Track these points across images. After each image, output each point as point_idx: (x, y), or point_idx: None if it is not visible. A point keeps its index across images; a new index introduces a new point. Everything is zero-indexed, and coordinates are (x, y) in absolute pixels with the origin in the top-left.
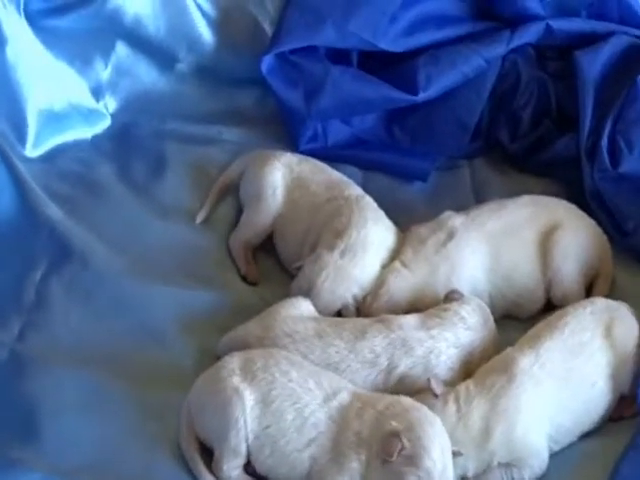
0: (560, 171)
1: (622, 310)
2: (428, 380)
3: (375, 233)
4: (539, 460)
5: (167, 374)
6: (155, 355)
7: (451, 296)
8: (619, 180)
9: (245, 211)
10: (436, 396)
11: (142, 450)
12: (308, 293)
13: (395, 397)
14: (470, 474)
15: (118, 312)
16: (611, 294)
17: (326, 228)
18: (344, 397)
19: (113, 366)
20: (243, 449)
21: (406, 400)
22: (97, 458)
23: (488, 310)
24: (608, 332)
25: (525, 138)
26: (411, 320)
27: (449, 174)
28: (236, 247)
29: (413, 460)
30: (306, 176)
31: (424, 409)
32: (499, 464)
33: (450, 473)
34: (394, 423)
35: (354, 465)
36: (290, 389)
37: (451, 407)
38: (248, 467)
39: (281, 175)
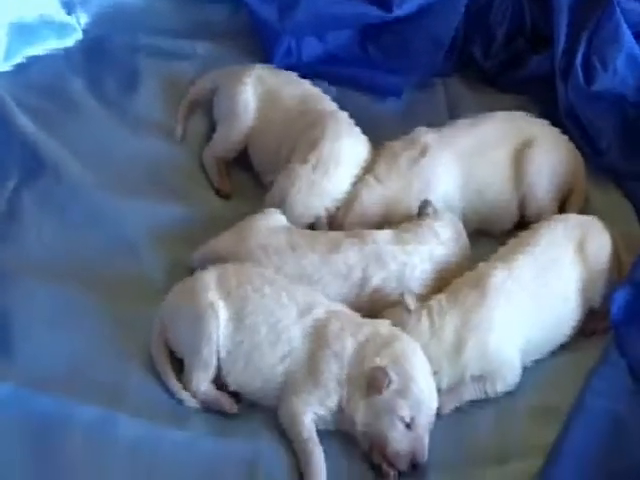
0: (534, 89)
1: (594, 226)
2: (402, 295)
3: (348, 147)
4: (511, 373)
5: (139, 287)
6: (127, 268)
7: (424, 210)
8: (593, 98)
9: (218, 126)
10: (409, 311)
11: (113, 361)
12: (281, 206)
13: (374, 325)
14: (444, 386)
15: (90, 226)
16: (584, 211)
17: (299, 141)
18: (318, 313)
19: (85, 279)
20: (213, 363)
21: (384, 329)
22: (69, 369)
23: (461, 226)
24: (580, 247)
25: (499, 55)
26: (385, 235)
27: (423, 91)
28: (209, 161)
29: (403, 393)
30: (279, 89)
31: (404, 338)
32: (472, 377)
33: (435, 395)
34: (378, 358)
35: (330, 383)
36: (263, 305)
37: (424, 322)
38: (217, 381)
39: (253, 89)
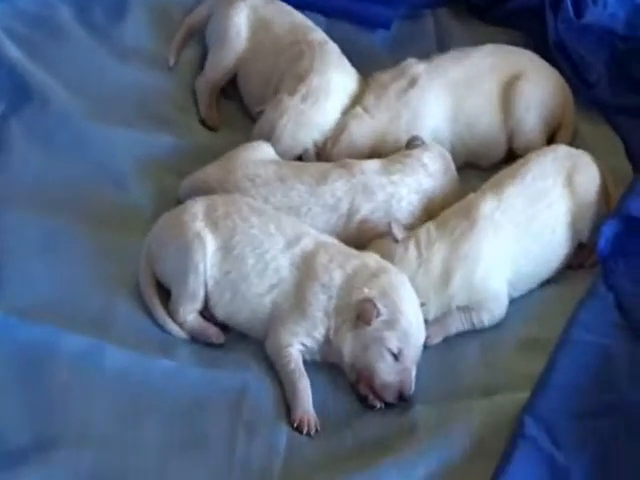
0: (524, 21)
1: (583, 158)
2: (389, 224)
3: (337, 79)
4: (498, 305)
5: (126, 216)
6: (115, 197)
7: (413, 143)
8: (583, 31)
9: (210, 52)
10: (397, 241)
11: (100, 289)
12: (269, 137)
13: (362, 257)
14: (431, 318)
15: (78, 154)
16: (572, 144)
17: (288, 72)
18: (306, 244)
19: (72, 208)
20: (201, 294)
21: (372, 261)
22: (56, 298)
23: (450, 157)
24: (569, 179)
25: None
26: (373, 165)
27: (412, 23)
28: (202, 88)
29: (391, 324)
30: (271, 18)
31: (392, 270)
32: (459, 308)
33: (423, 327)
34: (366, 290)
35: (318, 313)
36: (251, 235)
37: (412, 253)
38: (205, 313)
39: (246, 16)
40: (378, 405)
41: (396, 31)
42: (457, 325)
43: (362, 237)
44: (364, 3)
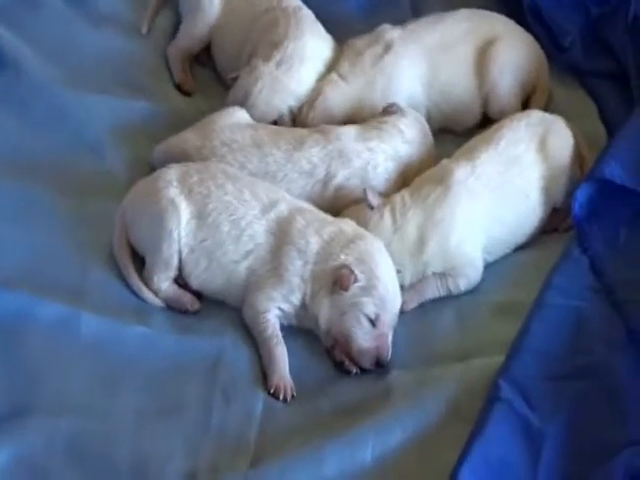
0: None
1: (557, 123)
2: (364, 191)
3: (311, 45)
4: (474, 269)
5: (101, 183)
6: (89, 165)
7: (389, 109)
8: None
9: (184, 20)
10: (372, 207)
11: (75, 257)
12: (244, 103)
13: (338, 224)
14: (406, 283)
15: (53, 122)
16: (547, 109)
17: (263, 39)
18: (282, 209)
19: (47, 175)
20: (175, 261)
21: (349, 228)
22: (31, 265)
23: (426, 124)
24: (542, 144)
25: None
26: (349, 131)
27: None
28: (173, 55)
29: (368, 290)
30: None
31: (368, 237)
32: (434, 274)
33: (399, 293)
34: (343, 256)
35: (294, 278)
36: (226, 202)
37: (387, 219)
38: (180, 281)
39: None
40: (354, 371)
41: None
42: (433, 291)
43: (338, 203)
44: None
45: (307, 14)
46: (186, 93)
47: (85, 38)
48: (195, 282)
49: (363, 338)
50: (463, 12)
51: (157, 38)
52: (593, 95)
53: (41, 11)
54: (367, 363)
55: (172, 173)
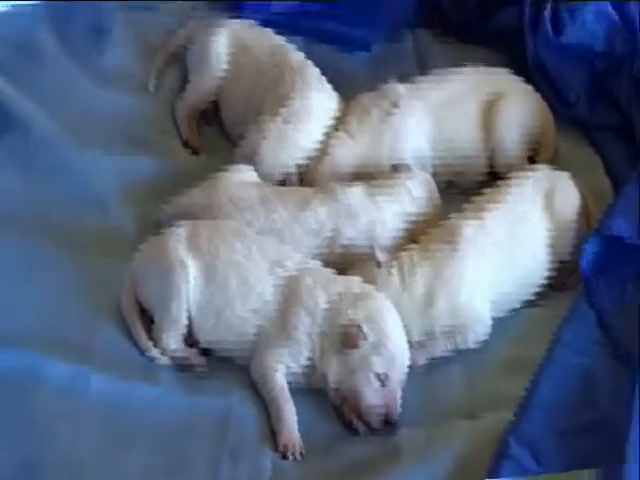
0: (503, 41)
1: (563, 178)
2: (372, 248)
3: (318, 101)
4: (482, 325)
5: (108, 241)
6: (96, 222)
7: (397, 168)
8: (562, 50)
9: (191, 75)
10: (379, 265)
11: (83, 316)
12: (251, 159)
13: (346, 282)
14: (414, 340)
15: (59, 179)
16: (554, 163)
17: (269, 94)
18: (289, 268)
19: (54, 233)
20: (184, 320)
21: (356, 286)
22: (38, 325)
23: (434, 184)
24: (549, 201)
25: (468, 8)
26: (356, 189)
27: (392, 45)
28: (181, 111)
29: (377, 348)
30: (252, 42)
31: (377, 295)
32: (443, 331)
33: (408, 351)
34: (351, 314)
35: (302, 337)
36: (234, 260)
37: (395, 277)
38: (189, 339)
39: (226, 40)
40: (362, 430)
41: (376, 53)
42: (441, 348)
43: (345, 259)
44: (343, 25)
45: (312, 69)
46: (194, 150)
47: (91, 95)
48: (204, 339)
49: (372, 396)
50: (469, 69)
51: (164, 95)
52: (599, 149)
53: (48, 68)
54: (376, 421)
55: (181, 232)
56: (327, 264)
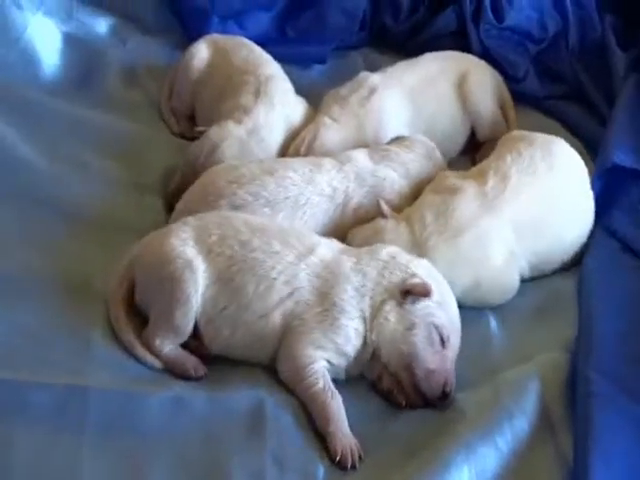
0: (443, 43)
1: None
2: (378, 202)
3: (280, 114)
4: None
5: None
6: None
7: (396, 139)
8: (503, 35)
9: (176, 84)
10: (385, 217)
11: (77, 334)
12: (208, 156)
13: (382, 250)
14: None
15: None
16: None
17: (237, 102)
18: (323, 252)
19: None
20: (188, 330)
21: (398, 252)
22: (21, 345)
23: (432, 144)
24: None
25: (406, 22)
26: (359, 154)
27: (343, 60)
28: (168, 113)
29: (441, 305)
30: (230, 49)
31: (423, 260)
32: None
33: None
34: (413, 267)
35: (351, 322)
36: (252, 260)
37: (404, 232)
38: (192, 341)
39: (205, 45)
40: (403, 403)
41: (329, 67)
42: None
43: (354, 224)
44: (298, 43)
45: (280, 83)
46: (191, 138)
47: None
48: (216, 349)
49: (432, 359)
50: (429, 55)
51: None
52: (557, 116)
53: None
54: (433, 389)
55: (188, 230)
56: (339, 230)
